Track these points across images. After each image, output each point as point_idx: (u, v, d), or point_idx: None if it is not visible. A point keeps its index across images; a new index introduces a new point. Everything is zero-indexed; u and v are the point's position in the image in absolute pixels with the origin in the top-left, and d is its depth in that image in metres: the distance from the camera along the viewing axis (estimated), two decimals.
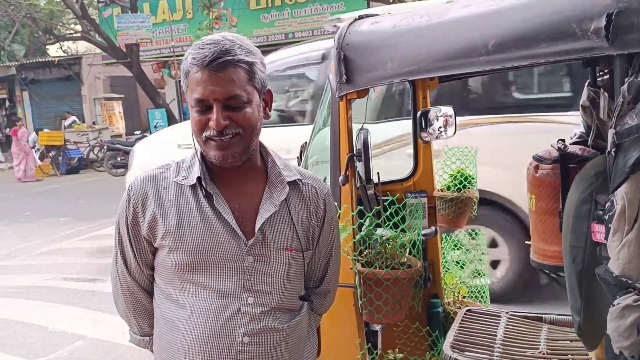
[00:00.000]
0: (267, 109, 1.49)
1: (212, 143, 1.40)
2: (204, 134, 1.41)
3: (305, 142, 2.76)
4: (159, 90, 18.38)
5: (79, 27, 20.14)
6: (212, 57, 1.35)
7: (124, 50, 16.29)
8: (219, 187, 1.47)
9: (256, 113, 1.43)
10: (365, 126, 2.27)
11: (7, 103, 24.12)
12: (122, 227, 1.51)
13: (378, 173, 2.55)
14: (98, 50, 19.05)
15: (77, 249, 7.69)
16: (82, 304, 5.46)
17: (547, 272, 2.40)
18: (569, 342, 2.32)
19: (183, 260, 1.44)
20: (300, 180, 1.56)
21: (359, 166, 2.22)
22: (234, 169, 1.47)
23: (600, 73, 2.23)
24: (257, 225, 1.45)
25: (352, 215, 2.12)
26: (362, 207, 2.21)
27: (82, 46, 23.88)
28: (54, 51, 25.86)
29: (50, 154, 16.66)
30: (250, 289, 1.45)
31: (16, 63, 22.84)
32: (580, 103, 2.31)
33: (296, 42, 17.21)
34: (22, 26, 21.83)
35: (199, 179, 1.46)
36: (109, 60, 18.62)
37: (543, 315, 2.56)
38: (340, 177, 2.14)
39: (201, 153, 1.48)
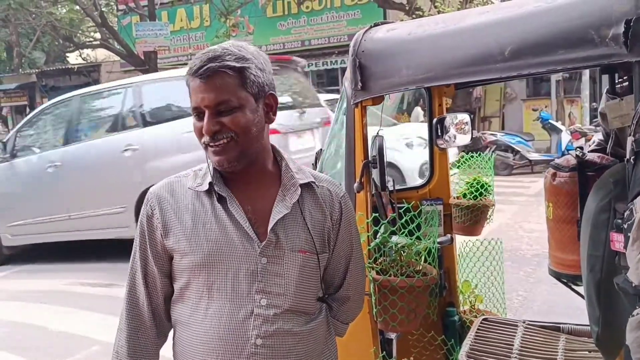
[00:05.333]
0: (270, 113, 1.52)
1: (210, 149, 1.45)
2: (202, 141, 1.46)
3: (321, 149, 2.76)
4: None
5: (98, 35, 20.41)
6: (199, 65, 1.41)
7: (142, 57, 16.45)
8: (233, 191, 1.49)
9: (250, 117, 1.45)
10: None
11: (28, 110, 24.46)
12: (140, 230, 1.54)
13: (393, 180, 2.54)
14: (117, 58, 19.28)
15: (94, 254, 7.76)
16: (99, 309, 5.50)
17: (565, 281, 2.36)
18: (587, 352, 2.28)
19: (198, 262, 1.46)
20: (314, 182, 1.57)
21: (374, 173, 2.22)
22: (245, 174, 1.50)
23: (619, 80, 2.20)
24: (269, 227, 1.47)
25: (367, 223, 2.12)
26: (377, 214, 2.20)
27: (101, 54, 24.16)
28: (73, 59, 26.20)
29: None
30: (263, 291, 1.46)
31: (37, 70, 23.20)
32: (599, 110, 2.28)
33: (312, 50, 17.39)
34: (42, 34, 22.19)
35: (211, 183, 1.48)
36: (127, 67, 18.83)
37: (561, 325, 2.52)
38: (355, 184, 2.14)
39: None
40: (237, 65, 1.42)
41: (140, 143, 6.62)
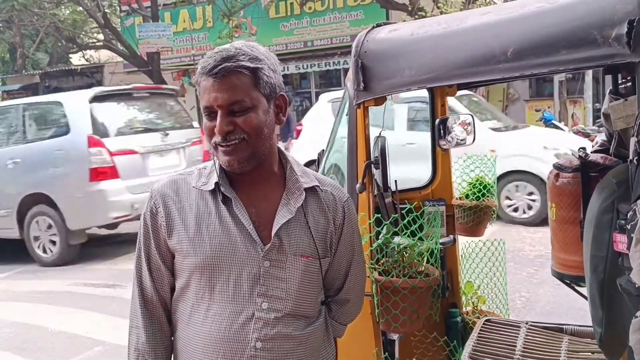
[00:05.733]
0: (280, 114, 1.51)
1: (220, 149, 1.44)
2: (212, 141, 1.44)
3: (323, 150, 2.76)
4: (179, 98, 18.53)
5: (101, 36, 20.45)
6: (213, 65, 1.39)
7: (145, 58, 16.47)
8: (238, 192, 1.49)
9: (262, 118, 1.44)
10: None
11: None
12: (144, 227, 1.53)
13: (396, 181, 2.54)
14: (120, 59, 19.30)
15: (98, 255, 7.77)
16: (102, 310, 5.51)
17: (568, 282, 2.36)
18: (590, 354, 2.27)
19: (200, 263, 1.45)
20: (318, 186, 1.56)
21: (377, 174, 2.22)
22: (251, 175, 1.49)
23: (622, 80, 2.20)
24: (273, 231, 1.46)
25: (369, 223, 2.12)
26: (379, 215, 2.20)
27: (104, 55, 24.21)
28: (76, 60, 26.28)
29: None
30: (265, 294, 1.45)
31: (40, 71, 23.25)
32: (602, 111, 2.28)
33: (315, 50, 17.39)
34: (46, 35, 22.25)
35: (216, 184, 1.48)
36: (130, 68, 18.85)
37: (564, 326, 2.52)
38: (358, 185, 2.14)
39: None
40: (252, 65, 1.41)
41: (21, 157, 7.59)
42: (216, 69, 1.39)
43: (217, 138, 1.42)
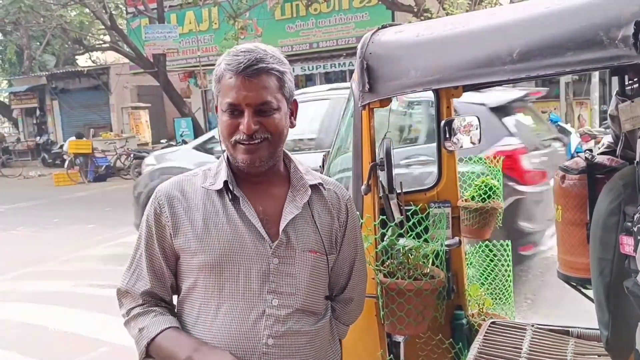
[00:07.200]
0: (292, 117, 1.54)
1: (241, 147, 1.45)
2: (233, 138, 1.45)
3: (328, 152, 2.76)
4: (185, 99, 18.62)
5: (107, 38, 20.57)
6: (246, 64, 1.41)
7: (151, 60, 16.54)
8: (244, 191, 1.51)
9: (284, 120, 1.48)
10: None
11: (38, 112, 24.67)
12: (147, 227, 1.53)
13: (401, 182, 2.53)
14: (126, 60, 19.40)
15: (103, 256, 7.80)
16: (108, 311, 5.50)
17: (574, 284, 2.35)
18: (596, 356, 2.26)
19: (209, 262, 1.46)
20: (322, 184, 1.59)
21: (382, 175, 2.21)
22: (258, 174, 1.51)
23: (629, 82, 2.18)
24: (281, 227, 1.48)
25: (375, 225, 2.11)
26: (384, 217, 2.19)
27: (110, 56, 24.35)
28: (83, 61, 26.42)
29: (79, 162, 16.96)
30: (275, 291, 1.47)
31: (47, 73, 23.38)
32: (609, 112, 2.27)
33: (320, 52, 17.39)
34: (52, 37, 22.37)
35: (225, 182, 1.49)
36: (136, 70, 18.94)
37: (570, 329, 2.51)
38: (363, 187, 2.14)
39: (227, 159, 1.52)
40: (281, 68, 1.45)
41: None
42: (249, 69, 1.40)
43: (240, 136, 1.44)
